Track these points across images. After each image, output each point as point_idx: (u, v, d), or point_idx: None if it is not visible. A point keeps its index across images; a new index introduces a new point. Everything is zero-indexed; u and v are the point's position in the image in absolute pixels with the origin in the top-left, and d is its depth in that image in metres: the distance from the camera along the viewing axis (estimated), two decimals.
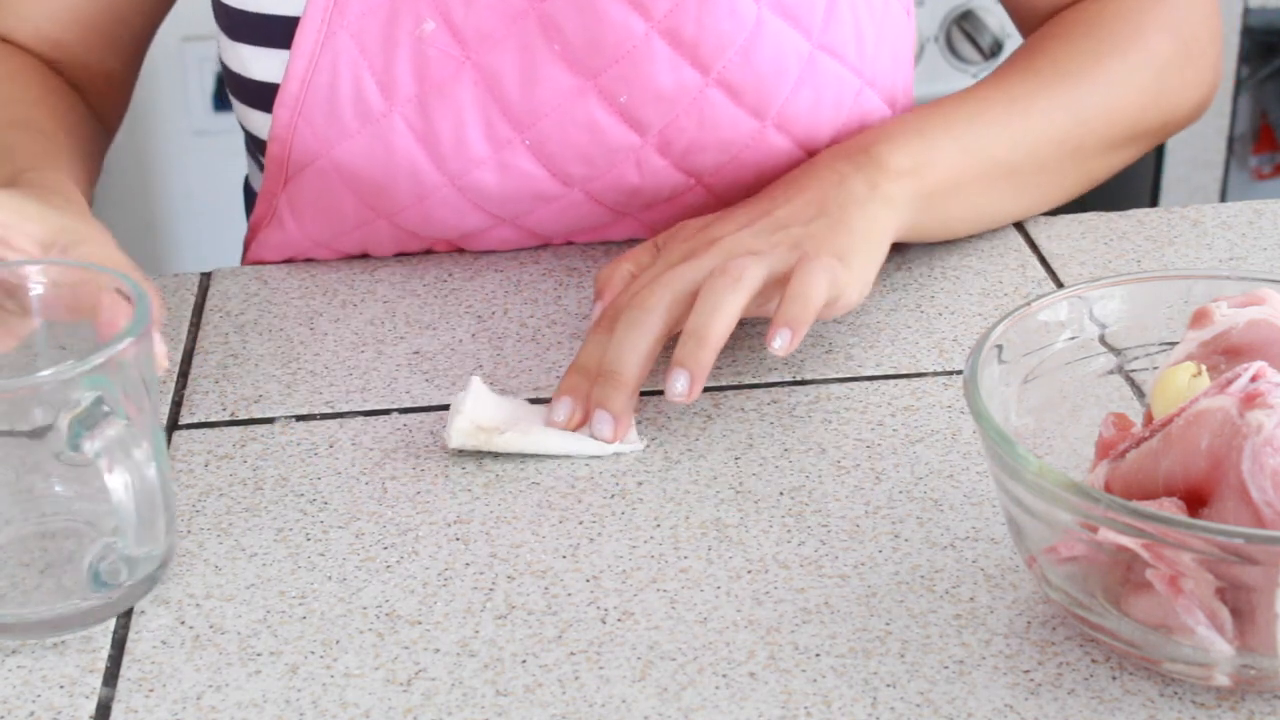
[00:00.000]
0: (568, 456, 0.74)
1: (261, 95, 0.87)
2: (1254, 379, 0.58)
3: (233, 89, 0.90)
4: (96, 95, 0.96)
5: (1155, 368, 0.68)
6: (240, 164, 1.06)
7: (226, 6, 0.86)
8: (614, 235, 0.92)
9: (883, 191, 0.81)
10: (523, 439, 0.73)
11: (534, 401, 0.77)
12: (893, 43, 0.90)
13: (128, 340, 0.62)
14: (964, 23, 2.10)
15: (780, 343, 0.73)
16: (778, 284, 0.75)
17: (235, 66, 0.88)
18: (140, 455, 0.61)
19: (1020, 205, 0.89)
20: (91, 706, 0.61)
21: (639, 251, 0.81)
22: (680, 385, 0.72)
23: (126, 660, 0.63)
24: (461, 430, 0.73)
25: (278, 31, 0.85)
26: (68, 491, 0.67)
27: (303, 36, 0.84)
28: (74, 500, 0.67)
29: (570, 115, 0.84)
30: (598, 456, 0.73)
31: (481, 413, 0.73)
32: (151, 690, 0.62)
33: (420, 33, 0.83)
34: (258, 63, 0.86)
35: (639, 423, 0.76)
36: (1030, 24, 0.96)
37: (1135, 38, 0.90)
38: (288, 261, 0.92)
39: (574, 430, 0.74)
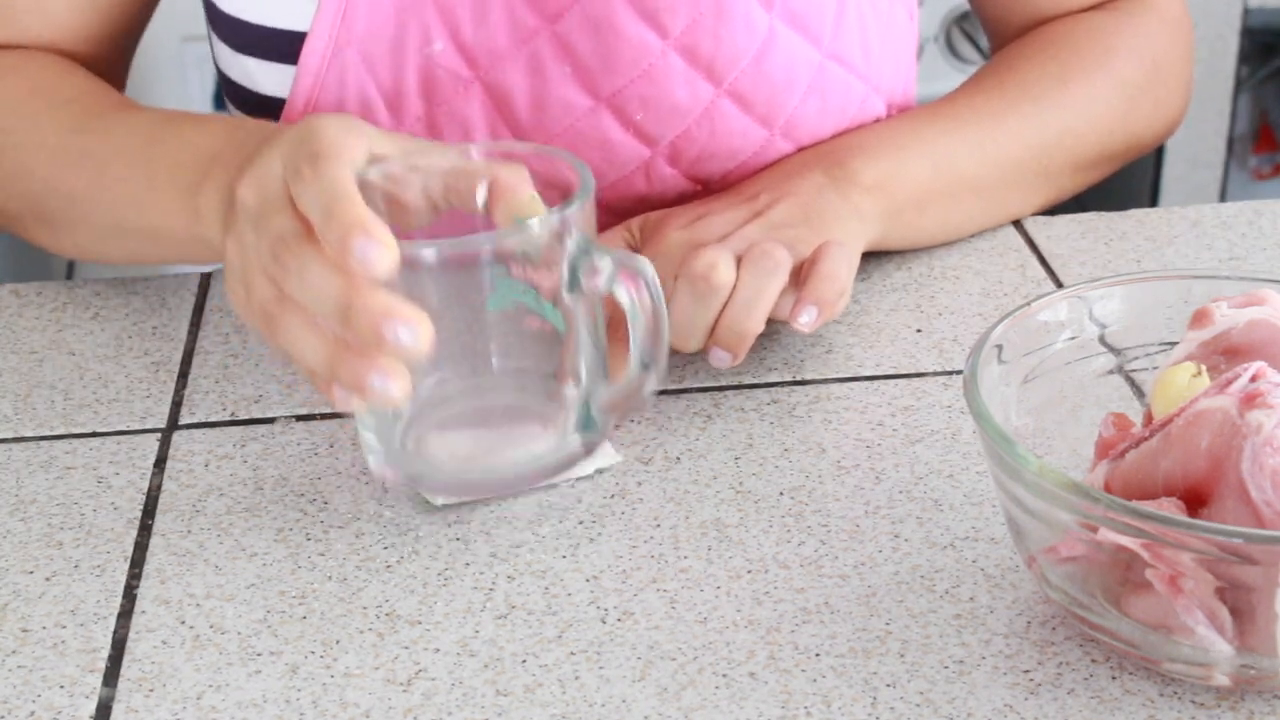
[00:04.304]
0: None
1: (267, 109, 0.87)
2: (1254, 379, 0.58)
3: (236, 101, 0.89)
4: None
5: (1155, 368, 0.68)
6: None
7: (231, 19, 0.86)
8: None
9: (854, 204, 0.82)
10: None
11: None
12: (896, 48, 0.90)
13: (589, 193, 0.66)
14: (964, 23, 2.10)
15: (806, 319, 0.74)
16: (792, 278, 0.76)
17: (240, 79, 0.88)
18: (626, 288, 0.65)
19: (988, 218, 0.90)
20: (91, 706, 0.61)
21: (612, 235, 0.81)
22: (722, 358, 0.75)
23: (126, 660, 0.63)
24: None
25: (285, 46, 0.84)
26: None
27: (309, 53, 0.83)
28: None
29: (581, 134, 0.84)
30: (582, 477, 0.73)
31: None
32: (151, 690, 0.62)
33: (429, 52, 0.83)
34: (265, 77, 0.86)
35: (634, 424, 0.76)
36: (1002, 38, 0.96)
37: (1104, 60, 0.91)
38: None
39: None
